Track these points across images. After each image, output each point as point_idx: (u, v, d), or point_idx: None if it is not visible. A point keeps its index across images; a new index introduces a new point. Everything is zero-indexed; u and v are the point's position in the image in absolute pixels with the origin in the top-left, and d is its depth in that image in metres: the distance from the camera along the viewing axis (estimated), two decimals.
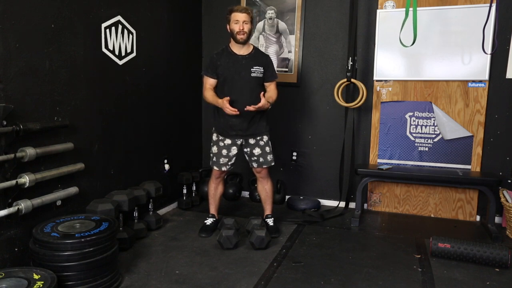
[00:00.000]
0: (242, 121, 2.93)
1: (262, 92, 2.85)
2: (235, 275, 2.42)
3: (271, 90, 3.00)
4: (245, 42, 2.90)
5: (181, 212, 3.62)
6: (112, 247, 2.22)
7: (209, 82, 2.96)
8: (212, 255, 2.70)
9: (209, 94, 2.93)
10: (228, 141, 3.00)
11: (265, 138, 3.02)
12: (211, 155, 3.06)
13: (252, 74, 2.91)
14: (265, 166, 3.04)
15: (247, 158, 3.08)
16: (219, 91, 2.96)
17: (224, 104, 2.78)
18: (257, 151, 3.00)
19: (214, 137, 3.05)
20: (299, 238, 3.04)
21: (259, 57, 2.98)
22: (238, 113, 2.78)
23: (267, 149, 3.03)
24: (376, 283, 2.36)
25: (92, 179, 2.73)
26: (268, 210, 3.20)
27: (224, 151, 3.00)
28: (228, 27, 2.90)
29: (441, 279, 2.41)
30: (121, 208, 2.73)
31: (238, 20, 2.83)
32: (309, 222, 3.38)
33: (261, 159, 3.02)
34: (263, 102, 2.78)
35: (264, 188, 3.14)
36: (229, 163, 3.04)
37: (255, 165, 3.05)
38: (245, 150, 3.05)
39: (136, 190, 2.98)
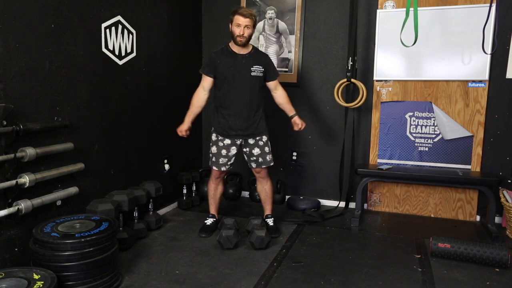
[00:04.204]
0: (241, 122, 2.93)
1: (294, 121, 3.05)
2: (235, 275, 2.42)
3: (281, 96, 3.05)
4: (244, 45, 2.91)
5: (181, 212, 3.62)
6: (112, 247, 2.22)
7: (205, 84, 2.97)
8: (212, 255, 2.70)
9: (194, 102, 3.03)
10: (227, 141, 3.00)
11: (264, 138, 3.02)
12: (211, 155, 3.06)
13: (252, 73, 2.92)
14: (264, 166, 3.04)
15: (246, 158, 3.07)
16: (219, 90, 2.96)
17: (181, 129, 3.03)
18: (256, 151, 3.00)
19: (214, 137, 3.05)
20: (299, 238, 3.04)
21: (258, 56, 2.99)
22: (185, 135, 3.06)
23: (266, 149, 3.03)
24: (376, 283, 2.36)
25: (92, 179, 2.74)
26: (268, 210, 3.20)
27: (224, 151, 3.00)
28: (230, 26, 2.91)
29: (441, 279, 2.41)
30: (121, 208, 2.73)
31: (240, 24, 2.82)
32: (309, 222, 3.38)
33: (260, 159, 3.02)
34: (298, 123, 3.04)
35: (264, 188, 3.14)
36: (229, 163, 3.04)
37: (254, 165, 3.05)
38: (244, 150, 3.05)
39: (136, 190, 2.98)
